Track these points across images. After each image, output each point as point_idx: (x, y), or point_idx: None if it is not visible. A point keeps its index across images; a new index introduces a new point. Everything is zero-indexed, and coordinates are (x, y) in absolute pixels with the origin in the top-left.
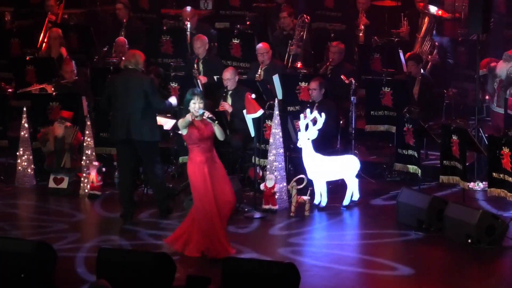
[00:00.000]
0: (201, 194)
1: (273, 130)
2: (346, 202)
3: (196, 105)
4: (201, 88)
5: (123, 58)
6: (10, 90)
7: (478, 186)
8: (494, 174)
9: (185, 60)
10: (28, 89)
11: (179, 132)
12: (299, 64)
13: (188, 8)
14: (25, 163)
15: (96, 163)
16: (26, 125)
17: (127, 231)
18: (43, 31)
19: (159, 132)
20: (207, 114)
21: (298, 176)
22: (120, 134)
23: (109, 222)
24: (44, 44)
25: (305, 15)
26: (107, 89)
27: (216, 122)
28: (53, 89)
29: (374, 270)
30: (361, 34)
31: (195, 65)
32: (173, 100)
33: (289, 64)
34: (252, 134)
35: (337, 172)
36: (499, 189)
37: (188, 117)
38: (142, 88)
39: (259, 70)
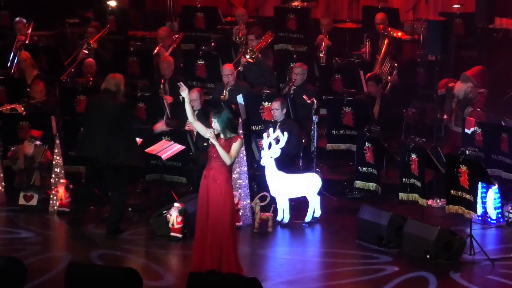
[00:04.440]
0: (198, 210)
1: None
2: (308, 218)
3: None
4: (167, 108)
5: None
6: None
7: (436, 203)
8: (452, 191)
9: (151, 80)
10: None
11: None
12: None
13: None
14: None
15: (63, 181)
16: None
17: (97, 247)
18: (12, 52)
19: (132, 156)
20: (209, 134)
21: (261, 194)
22: (87, 153)
23: (78, 237)
24: (14, 65)
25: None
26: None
27: (219, 144)
28: (23, 108)
29: (336, 286)
30: (322, 55)
31: (161, 85)
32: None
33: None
34: None
35: (299, 190)
36: (456, 206)
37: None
38: (115, 111)
39: (224, 91)
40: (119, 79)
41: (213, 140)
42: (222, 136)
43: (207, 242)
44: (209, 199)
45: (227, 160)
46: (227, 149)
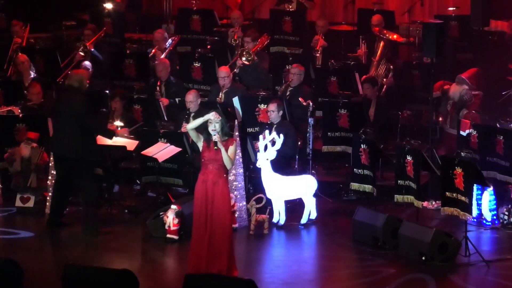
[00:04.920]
0: (195, 213)
1: None
2: (304, 220)
3: (211, 125)
4: (163, 111)
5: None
6: None
7: (432, 205)
8: (447, 193)
9: (147, 83)
10: None
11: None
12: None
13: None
14: None
15: None
16: None
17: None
18: (9, 54)
19: (95, 152)
20: (215, 138)
21: (257, 196)
22: (57, 150)
23: (74, 239)
24: (10, 68)
25: (266, 34)
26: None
27: (224, 149)
28: (19, 111)
29: (332, 287)
30: (318, 55)
31: (158, 88)
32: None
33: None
34: None
35: (295, 192)
36: (452, 208)
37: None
38: (77, 108)
39: (220, 93)
40: (82, 75)
41: (220, 145)
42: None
43: (205, 245)
44: (212, 202)
45: (229, 164)
46: (219, 151)
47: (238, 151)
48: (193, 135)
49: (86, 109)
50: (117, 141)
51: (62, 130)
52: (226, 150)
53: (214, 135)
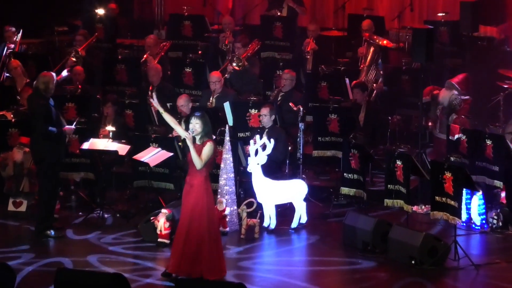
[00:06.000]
0: (181, 215)
1: (224, 156)
2: (294, 224)
3: (191, 125)
4: (155, 115)
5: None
6: None
7: (421, 209)
8: (437, 197)
9: (139, 88)
10: None
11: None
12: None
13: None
14: None
15: None
16: None
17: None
18: (1, 60)
19: (54, 153)
20: (186, 134)
21: (248, 200)
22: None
23: (65, 243)
24: (3, 73)
25: (257, 40)
26: None
27: (190, 147)
28: (12, 115)
29: None
30: (308, 57)
31: (149, 93)
32: (68, 128)
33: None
34: None
35: (285, 196)
36: (441, 212)
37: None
38: (34, 109)
39: (211, 98)
40: (49, 77)
41: (189, 143)
42: (197, 140)
43: (183, 246)
44: (189, 204)
45: (198, 164)
46: (199, 153)
47: (230, 155)
48: (179, 131)
49: (37, 110)
50: (108, 145)
51: (32, 132)
52: (200, 150)
53: (189, 134)
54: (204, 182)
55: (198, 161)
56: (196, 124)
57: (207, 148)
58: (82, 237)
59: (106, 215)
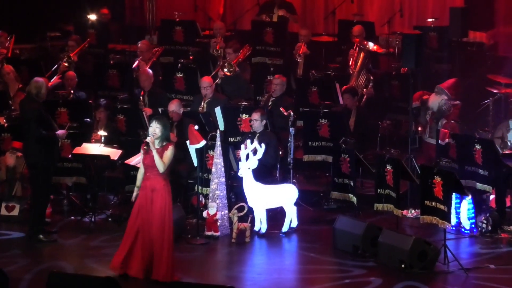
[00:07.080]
0: (130, 218)
1: (215, 160)
2: (285, 228)
3: (151, 129)
4: (146, 120)
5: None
6: None
7: (411, 213)
8: (427, 202)
9: (131, 93)
10: None
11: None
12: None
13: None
14: None
15: None
16: None
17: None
18: None
19: (47, 157)
20: (148, 139)
21: (239, 204)
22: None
23: (59, 247)
24: None
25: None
26: None
27: (156, 152)
28: (5, 120)
29: None
30: (300, 60)
31: (141, 98)
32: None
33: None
34: (195, 163)
35: (276, 200)
36: (431, 216)
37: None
38: (28, 113)
39: (202, 103)
40: (41, 83)
41: (151, 146)
42: (157, 144)
43: (138, 247)
44: (151, 210)
45: (161, 167)
46: (161, 156)
47: (221, 160)
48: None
49: (30, 114)
50: (101, 150)
51: (25, 136)
52: (162, 154)
53: (149, 136)
54: (166, 185)
55: (161, 164)
56: (156, 129)
57: (169, 152)
58: (74, 241)
59: (98, 219)
